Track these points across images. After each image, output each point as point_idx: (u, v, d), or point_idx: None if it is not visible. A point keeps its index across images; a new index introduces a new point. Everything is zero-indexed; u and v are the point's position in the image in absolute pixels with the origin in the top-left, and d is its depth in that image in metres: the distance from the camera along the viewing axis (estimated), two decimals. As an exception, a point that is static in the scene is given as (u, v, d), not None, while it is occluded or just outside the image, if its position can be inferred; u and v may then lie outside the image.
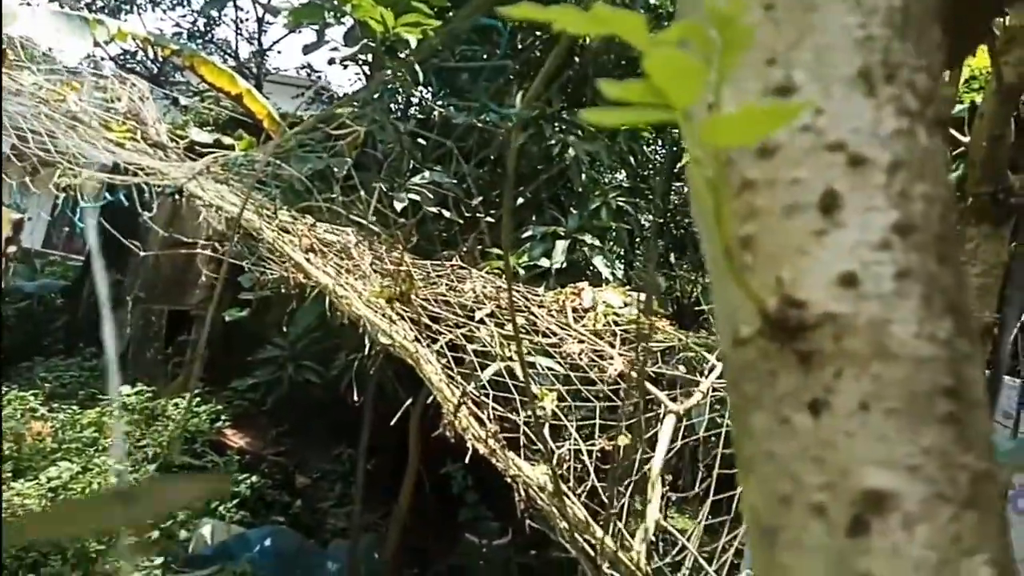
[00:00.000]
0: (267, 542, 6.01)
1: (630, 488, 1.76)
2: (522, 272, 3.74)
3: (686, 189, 5.96)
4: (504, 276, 2.73)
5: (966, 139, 2.13)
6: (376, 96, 5.63)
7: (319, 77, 13.22)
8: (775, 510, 0.30)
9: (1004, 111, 1.70)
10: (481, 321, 2.33)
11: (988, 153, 1.70)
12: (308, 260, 2.06)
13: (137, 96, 3.42)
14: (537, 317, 2.36)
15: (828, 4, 0.32)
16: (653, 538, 1.65)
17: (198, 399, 7.67)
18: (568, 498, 1.44)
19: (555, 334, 2.41)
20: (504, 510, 6.85)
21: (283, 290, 2.82)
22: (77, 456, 6.65)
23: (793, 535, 0.29)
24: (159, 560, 5.67)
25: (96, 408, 7.43)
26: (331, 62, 11.60)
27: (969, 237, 1.81)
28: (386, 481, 6.59)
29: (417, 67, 4.19)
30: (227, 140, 4.75)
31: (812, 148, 0.31)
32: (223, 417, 7.64)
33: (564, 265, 3.91)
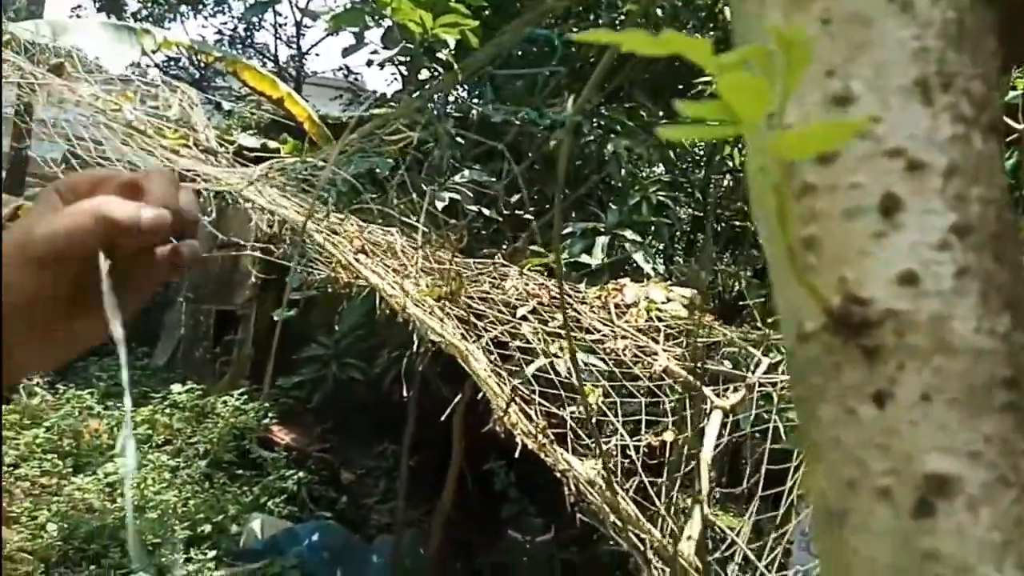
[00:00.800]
0: (315, 537, 6.16)
1: (677, 483, 1.77)
2: (563, 269, 3.76)
3: (726, 182, 5.90)
4: (546, 274, 2.76)
5: (1020, 126, 2.07)
6: (415, 94, 5.69)
7: (356, 78, 13.39)
8: (843, 494, 0.32)
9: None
10: (524, 318, 2.36)
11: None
12: (358, 261, 2.11)
13: (187, 103, 3.53)
14: (580, 313, 2.38)
15: (884, 18, 0.34)
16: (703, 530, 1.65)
17: (245, 397, 7.88)
18: (618, 493, 1.46)
19: (598, 330, 2.43)
20: (547, 507, 6.88)
21: (330, 289, 2.90)
22: (132, 452, 6.91)
23: (860, 518, 0.31)
24: (212, 553, 5.86)
25: (148, 406, 7.69)
26: (369, 64, 11.73)
27: (1024, 225, 1.77)
28: (429, 477, 6.68)
29: (456, 67, 4.23)
30: (272, 144, 4.87)
31: (871, 154, 0.33)
32: (270, 414, 7.84)
33: (605, 261, 3.92)
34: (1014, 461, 0.29)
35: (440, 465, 6.33)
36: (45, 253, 0.49)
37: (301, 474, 7.04)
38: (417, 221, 2.35)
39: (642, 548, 1.43)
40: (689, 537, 1.33)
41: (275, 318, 4.84)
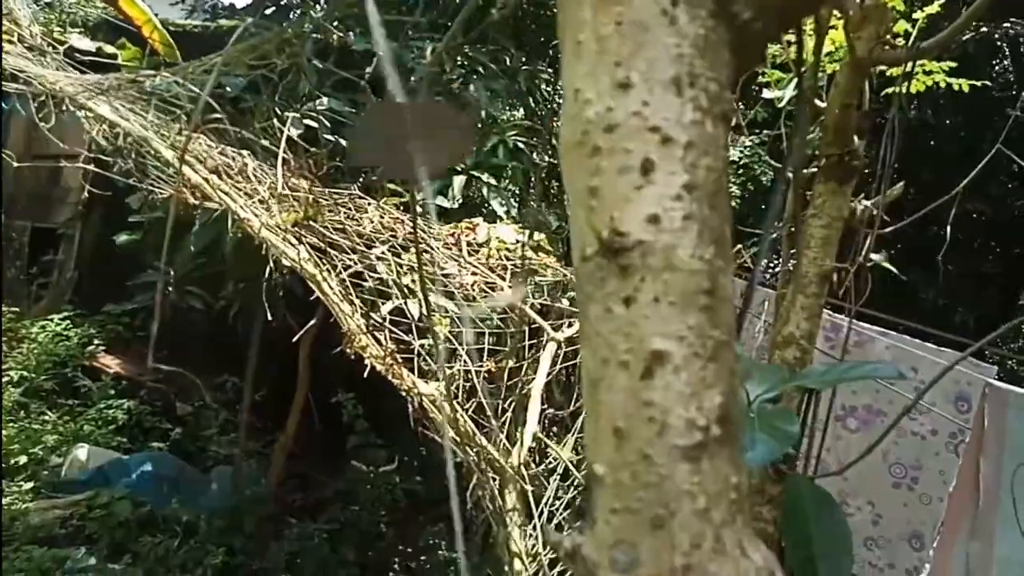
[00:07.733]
0: (146, 467, 5.90)
1: (513, 405, 1.95)
2: (420, 209, 3.80)
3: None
4: (402, 209, 2.82)
5: (823, 105, 2.40)
6: (271, 11, 5.38)
7: (203, -17, 12.26)
8: (599, 367, 0.45)
9: (855, 82, 1.94)
10: (380, 256, 2.42)
11: (839, 119, 1.95)
12: (208, 182, 2.04)
13: (7, -7, 3.10)
14: (433, 250, 2.48)
15: (657, 27, 0.46)
16: (532, 447, 1.85)
17: (67, 322, 7.29)
18: (458, 410, 1.60)
19: (444, 267, 2.54)
20: (393, 439, 7.05)
21: (171, 212, 2.76)
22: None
23: (608, 382, 0.45)
24: (28, 485, 5.48)
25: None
26: (218, -31, 10.78)
27: (818, 193, 2.08)
28: (273, 410, 6.58)
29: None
30: (108, 48, 4.43)
31: (639, 128, 0.46)
32: (96, 342, 7.31)
33: (460, 202, 4.02)
34: (704, 342, 0.44)
35: (284, 398, 6.27)
36: None
37: (131, 404, 6.68)
38: (273, 145, 2.31)
39: (477, 459, 1.60)
40: (520, 443, 1.51)
41: (116, 242, 4.49)
